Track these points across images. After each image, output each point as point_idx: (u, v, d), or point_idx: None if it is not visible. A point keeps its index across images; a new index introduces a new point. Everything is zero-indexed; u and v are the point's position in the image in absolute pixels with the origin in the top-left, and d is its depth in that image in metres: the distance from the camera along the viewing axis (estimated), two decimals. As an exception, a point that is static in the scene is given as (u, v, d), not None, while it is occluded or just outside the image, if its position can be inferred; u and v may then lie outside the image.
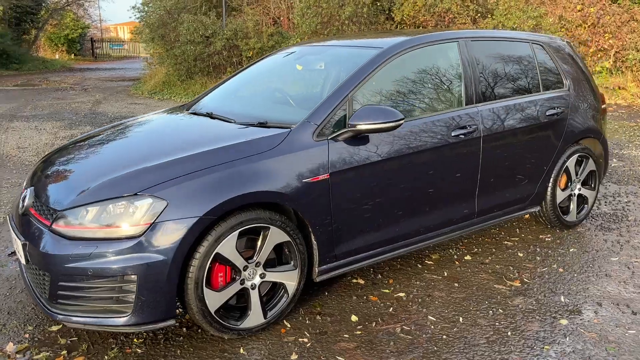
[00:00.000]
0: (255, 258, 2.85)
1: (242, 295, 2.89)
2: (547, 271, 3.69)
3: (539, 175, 4.08)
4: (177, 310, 2.87)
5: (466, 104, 3.64)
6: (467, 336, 2.91)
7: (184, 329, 2.99)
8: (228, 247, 2.72)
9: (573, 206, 4.41)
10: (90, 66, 28.84)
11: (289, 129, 3.02)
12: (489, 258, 3.91)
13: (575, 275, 3.64)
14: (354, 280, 3.57)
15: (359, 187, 3.13)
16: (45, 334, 2.96)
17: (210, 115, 3.58)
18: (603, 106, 4.57)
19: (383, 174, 3.22)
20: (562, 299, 3.31)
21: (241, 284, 2.83)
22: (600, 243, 4.18)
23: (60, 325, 2.96)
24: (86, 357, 2.74)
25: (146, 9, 14.85)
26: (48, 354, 2.76)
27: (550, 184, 4.19)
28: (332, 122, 3.09)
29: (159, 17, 13.73)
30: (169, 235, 2.56)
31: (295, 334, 2.94)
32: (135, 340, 2.89)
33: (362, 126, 3.01)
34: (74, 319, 2.63)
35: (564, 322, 3.05)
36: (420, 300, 3.31)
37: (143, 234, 2.55)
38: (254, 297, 2.88)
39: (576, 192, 4.42)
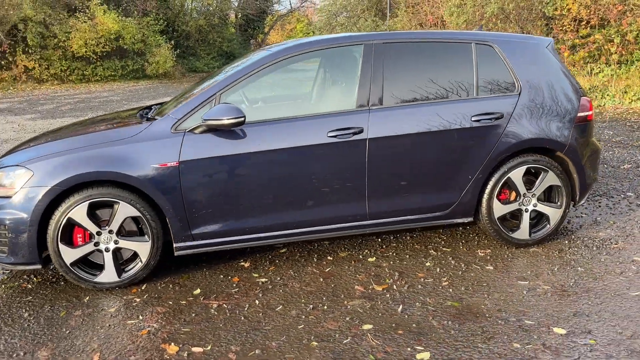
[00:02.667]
0: (107, 227, 3.48)
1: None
2: (429, 282, 3.56)
3: (461, 184, 3.86)
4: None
5: (357, 107, 3.70)
6: (262, 321, 3.13)
7: (73, 277, 3.75)
8: (79, 214, 3.40)
9: (524, 223, 4.01)
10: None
11: (151, 122, 3.57)
12: (392, 262, 3.88)
13: (451, 290, 3.45)
14: (241, 263, 3.95)
15: (214, 177, 3.52)
16: (-3, 265, 4.01)
17: (146, 109, 4.29)
18: (582, 114, 4.02)
19: (243, 167, 3.55)
20: (399, 309, 3.23)
21: (95, 245, 3.49)
22: (532, 266, 3.77)
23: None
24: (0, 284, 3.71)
25: (325, 10, 16.09)
26: (-22, 277, 3.81)
27: (485, 195, 3.92)
28: (198, 118, 3.53)
29: (326, 19, 14.81)
30: (29, 198, 3.36)
31: (138, 295, 3.50)
32: (35, 278, 3.77)
33: (210, 122, 3.42)
34: (-16, 253, 3.59)
35: (366, 327, 3.04)
36: (271, 287, 3.56)
37: (14, 194, 3.39)
38: (107, 258, 3.52)
39: (530, 207, 4.01)
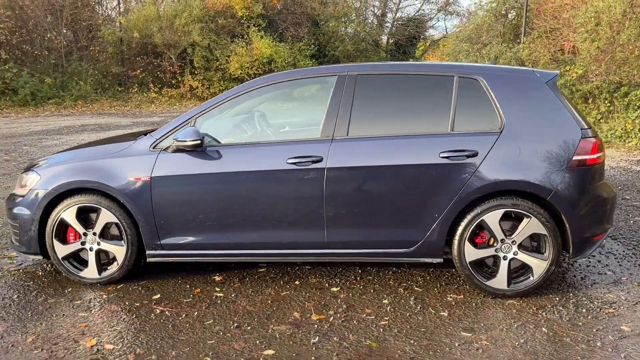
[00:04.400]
0: (90, 230, 3.97)
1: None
2: (368, 319, 3.47)
3: (427, 222, 3.69)
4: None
5: (322, 136, 3.77)
6: (182, 332, 3.34)
7: (75, 270, 4.32)
8: (69, 215, 3.94)
9: (501, 272, 3.70)
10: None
11: (137, 140, 4.00)
12: (351, 295, 3.84)
13: (382, 330, 3.33)
14: (214, 276, 4.19)
15: (180, 193, 3.84)
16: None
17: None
18: (580, 157, 3.60)
19: (206, 186, 3.82)
20: (314, 340, 3.23)
21: (82, 244, 4.01)
22: (491, 319, 3.47)
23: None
24: (11, 264, 4.40)
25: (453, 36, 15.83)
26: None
27: (456, 237, 3.71)
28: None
29: (453, 46, 14.52)
30: (34, 199, 3.98)
31: (109, 292, 3.92)
32: (48, 268, 4.40)
33: (176, 142, 3.77)
34: (11, 243, 4.30)
35: (268, 352, 3.10)
36: (220, 302, 3.75)
37: (26, 195, 4.04)
38: (91, 257, 4.00)
39: (509, 255, 3.69)
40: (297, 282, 4.06)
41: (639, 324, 3.38)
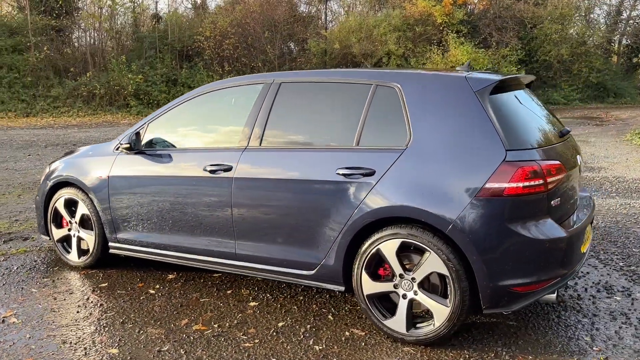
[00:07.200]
0: (73, 219, 4.55)
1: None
2: (239, 337, 3.32)
3: (324, 244, 3.34)
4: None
5: (238, 145, 3.71)
6: (79, 313, 3.65)
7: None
8: (60, 205, 4.57)
9: (399, 312, 3.18)
10: None
11: (109, 142, 4.45)
12: (258, 312, 3.69)
13: (233, 352, 3.17)
14: (169, 275, 4.41)
15: (126, 192, 4.14)
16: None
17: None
18: (494, 185, 2.88)
19: (140, 187, 4.07)
20: (160, 348, 3.24)
21: (68, 230, 4.61)
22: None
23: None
24: (30, 242, 5.23)
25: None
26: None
27: (355, 265, 3.31)
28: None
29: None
30: (42, 188, 4.72)
31: (80, 275, 4.43)
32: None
33: (120, 146, 4.12)
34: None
35: (113, 351, 3.23)
36: (142, 299, 3.94)
37: (40, 184, 4.82)
38: (73, 242, 4.57)
39: (410, 294, 3.15)
40: (229, 292, 4.04)
41: (526, 407, 2.59)
